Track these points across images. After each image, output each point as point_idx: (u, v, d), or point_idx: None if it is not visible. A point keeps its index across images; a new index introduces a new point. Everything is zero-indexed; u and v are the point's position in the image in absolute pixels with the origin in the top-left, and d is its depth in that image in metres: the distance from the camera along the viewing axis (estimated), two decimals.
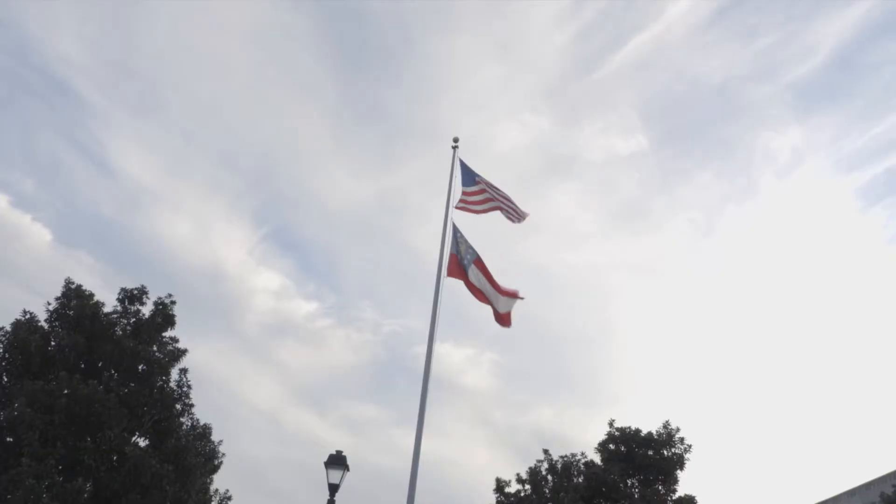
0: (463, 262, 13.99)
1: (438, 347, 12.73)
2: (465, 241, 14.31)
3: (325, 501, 15.33)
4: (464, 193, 14.85)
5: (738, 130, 74.73)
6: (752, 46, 71.26)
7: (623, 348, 65.74)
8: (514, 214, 14.92)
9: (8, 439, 16.41)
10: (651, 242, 73.04)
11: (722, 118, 76.76)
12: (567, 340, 65.92)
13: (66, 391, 16.94)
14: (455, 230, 14.22)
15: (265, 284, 63.17)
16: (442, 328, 12.91)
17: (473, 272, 13.92)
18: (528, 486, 26.31)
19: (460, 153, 15.09)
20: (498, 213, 14.97)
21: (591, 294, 68.19)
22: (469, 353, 63.36)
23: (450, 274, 13.56)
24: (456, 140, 15.08)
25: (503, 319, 13.60)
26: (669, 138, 78.21)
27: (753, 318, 68.94)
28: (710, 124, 78.17)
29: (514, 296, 13.65)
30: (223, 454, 19.86)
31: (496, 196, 14.83)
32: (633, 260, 71.54)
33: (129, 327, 19.33)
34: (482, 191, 14.88)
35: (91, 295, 19.17)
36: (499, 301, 13.81)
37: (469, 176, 15.02)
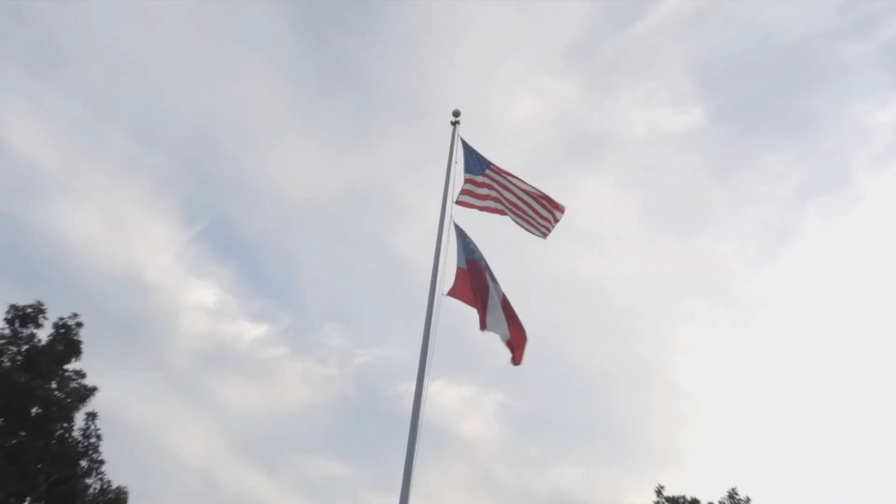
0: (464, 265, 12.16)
1: (429, 385, 10.73)
2: (469, 244, 12.35)
3: None
4: (467, 182, 12.93)
5: (822, 102, 61.33)
6: None
7: (673, 389, 56.94)
8: (536, 225, 12.91)
9: None
10: (708, 247, 60.01)
11: (801, 86, 63.07)
12: (597, 378, 57.85)
13: None
14: (460, 233, 12.34)
15: (198, 299, 56.84)
16: (433, 360, 10.78)
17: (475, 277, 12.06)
18: None
19: (463, 130, 13.36)
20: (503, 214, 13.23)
21: (627, 315, 59.71)
22: (468, 394, 57.38)
23: (453, 293, 11.71)
24: (457, 114, 13.38)
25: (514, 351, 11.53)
26: (733, 112, 64.60)
27: (845, 347, 56.19)
28: (785, 94, 63.21)
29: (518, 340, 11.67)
30: None
31: (512, 198, 12.98)
32: (684, 270, 59.46)
33: (19, 357, 18.05)
34: (485, 185, 13.07)
35: None
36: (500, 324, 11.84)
37: (476, 162, 13.14)
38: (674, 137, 59.40)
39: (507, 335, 11.42)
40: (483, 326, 11.51)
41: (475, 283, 11.66)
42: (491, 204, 12.91)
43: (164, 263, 54.77)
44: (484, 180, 12.96)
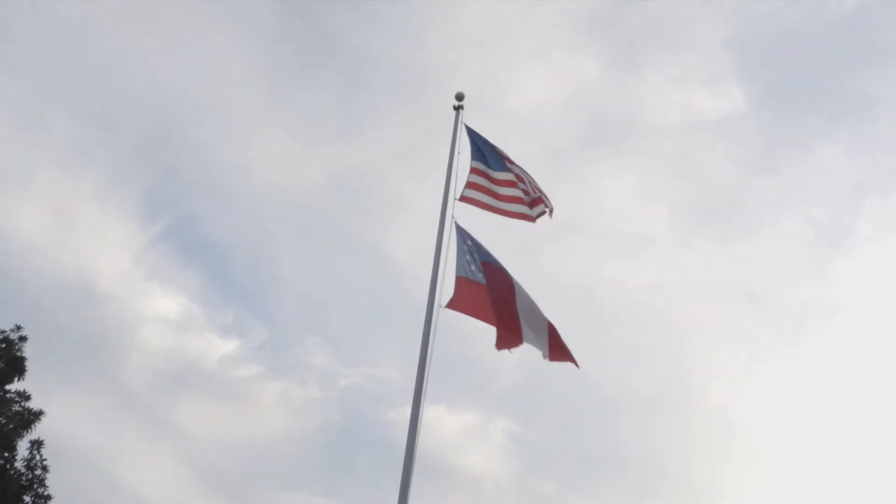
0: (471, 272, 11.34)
1: (426, 411, 10.62)
2: (479, 246, 11.54)
3: None
4: (474, 173, 11.97)
5: (883, 83, 58.79)
6: None
7: (711, 415, 54.29)
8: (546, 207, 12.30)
9: None
10: (750, 252, 56.72)
11: (859, 64, 61.72)
12: (621, 402, 53.31)
13: None
14: (463, 234, 11.59)
15: (159, 310, 53.92)
16: (430, 382, 10.60)
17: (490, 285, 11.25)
18: None
19: (467, 113, 12.46)
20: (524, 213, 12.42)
21: (656, 330, 56.18)
22: (471, 421, 53.95)
23: (455, 305, 11.07)
24: (460, 97, 12.60)
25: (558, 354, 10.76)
26: (779, 94, 61.10)
27: None
28: (840, 73, 61.18)
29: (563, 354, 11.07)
30: None
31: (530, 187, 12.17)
32: (723, 278, 58.30)
33: None
34: (511, 182, 12.22)
35: None
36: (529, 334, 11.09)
37: (488, 151, 12.34)
38: (710, 123, 54.77)
39: (547, 350, 10.61)
40: (509, 345, 10.72)
41: (496, 291, 10.77)
42: (507, 206, 11.92)
43: (121, 268, 50.93)
44: (506, 176, 12.09)
